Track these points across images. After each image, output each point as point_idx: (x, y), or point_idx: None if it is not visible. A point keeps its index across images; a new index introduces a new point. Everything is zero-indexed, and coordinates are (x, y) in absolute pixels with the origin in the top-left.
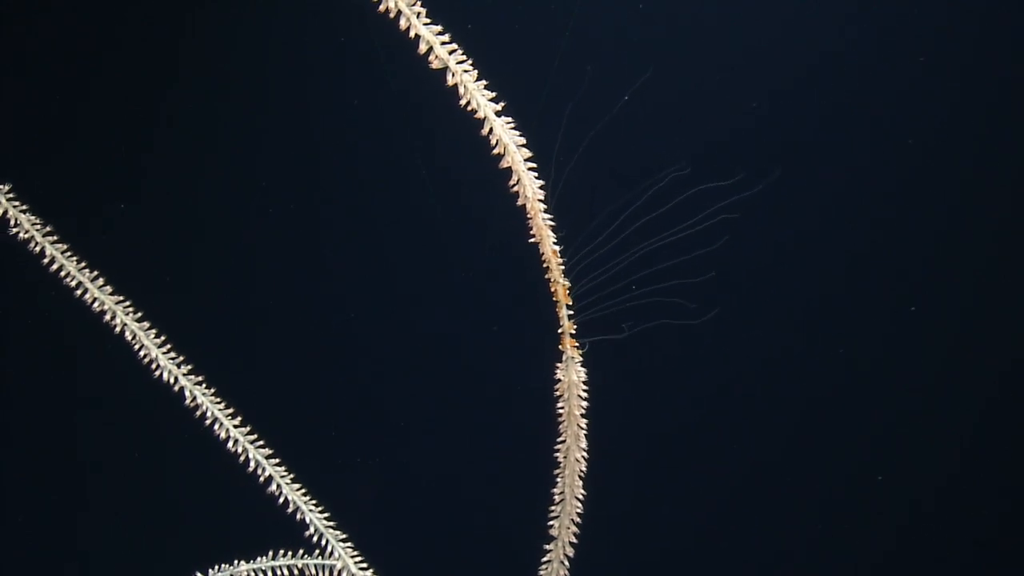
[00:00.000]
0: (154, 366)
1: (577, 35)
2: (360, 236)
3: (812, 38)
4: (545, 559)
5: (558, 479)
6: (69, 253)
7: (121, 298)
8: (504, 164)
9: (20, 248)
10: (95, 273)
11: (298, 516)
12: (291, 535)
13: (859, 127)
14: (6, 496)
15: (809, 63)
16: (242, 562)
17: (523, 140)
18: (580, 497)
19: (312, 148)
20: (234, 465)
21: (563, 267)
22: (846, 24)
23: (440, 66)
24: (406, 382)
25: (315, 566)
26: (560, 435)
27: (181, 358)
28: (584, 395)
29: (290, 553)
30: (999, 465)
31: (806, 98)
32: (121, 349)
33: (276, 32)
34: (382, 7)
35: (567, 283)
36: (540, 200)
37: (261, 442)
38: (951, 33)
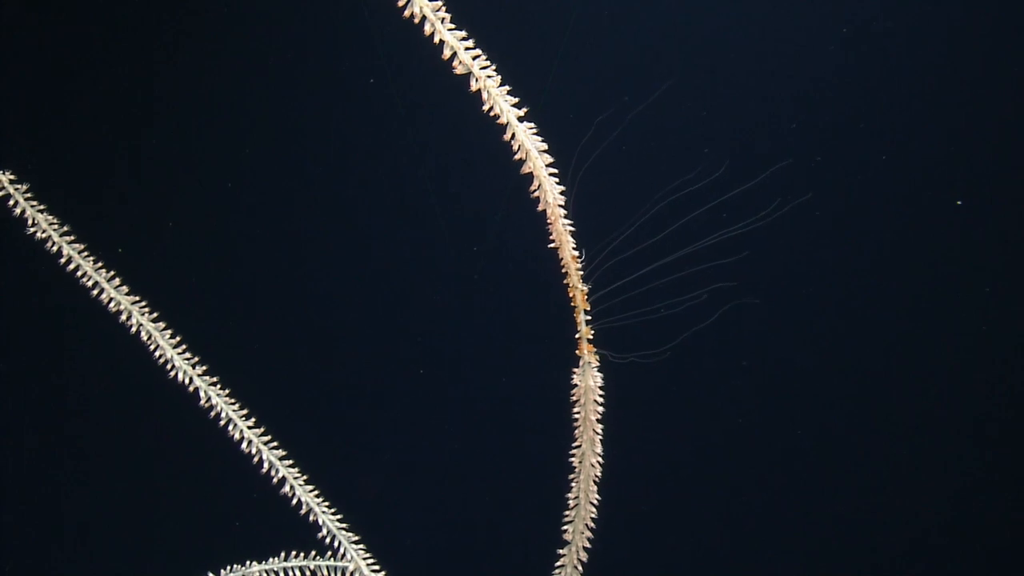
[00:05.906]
0: (169, 366)
1: (590, 39)
2: (377, 243)
3: (837, 35)
4: (559, 564)
5: (573, 484)
6: (85, 253)
7: (137, 298)
8: (526, 170)
9: (37, 247)
10: (111, 273)
11: (311, 517)
12: (304, 536)
13: (881, 133)
14: (17, 498)
15: (825, 63)
16: (254, 562)
17: (545, 146)
18: (594, 502)
19: (334, 158)
20: (247, 466)
21: (581, 272)
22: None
23: (464, 72)
24: (422, 386)
25: (327, 567)
26: (575, 440)
27: (196, 359)
28: (600, 400)
29: (302, 554)
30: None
31: (824, 100)
32: (136, 349)
33: (283, 31)
34: (407, 12)
35: (585, 288)
36: (560, 205)
37: (275, 443)
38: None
